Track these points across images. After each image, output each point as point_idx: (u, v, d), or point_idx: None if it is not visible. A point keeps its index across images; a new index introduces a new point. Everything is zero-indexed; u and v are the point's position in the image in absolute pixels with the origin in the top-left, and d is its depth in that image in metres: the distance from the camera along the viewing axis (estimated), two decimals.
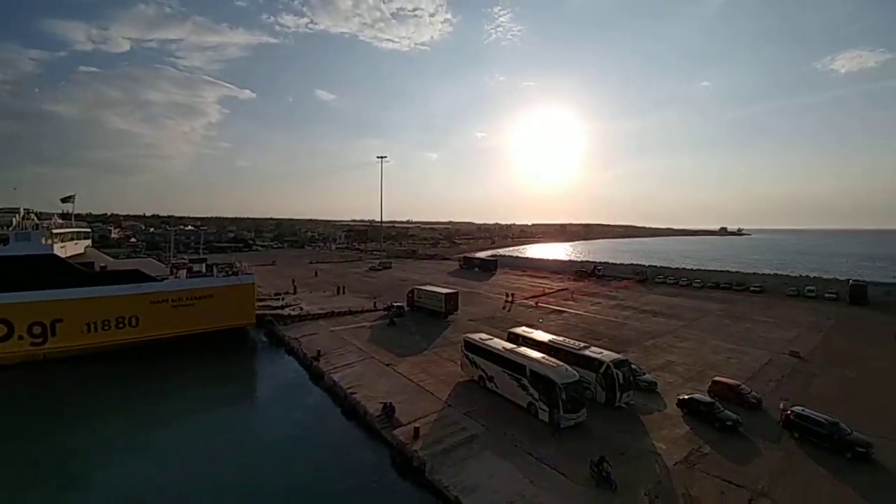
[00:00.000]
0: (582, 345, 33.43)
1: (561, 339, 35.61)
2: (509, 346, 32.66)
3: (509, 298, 69.58)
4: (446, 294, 56.41)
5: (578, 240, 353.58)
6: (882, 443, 24.07)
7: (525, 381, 28.48)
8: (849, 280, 77.71)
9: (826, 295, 72.17)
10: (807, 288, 75.79)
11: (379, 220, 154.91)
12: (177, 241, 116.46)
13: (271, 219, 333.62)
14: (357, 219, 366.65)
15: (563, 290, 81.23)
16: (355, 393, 32.15)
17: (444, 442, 25.04)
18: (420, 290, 60.63)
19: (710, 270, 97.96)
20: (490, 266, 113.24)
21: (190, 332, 46.25)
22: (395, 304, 57.69)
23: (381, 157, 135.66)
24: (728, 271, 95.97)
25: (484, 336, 35.23)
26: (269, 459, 25.43)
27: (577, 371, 28.32)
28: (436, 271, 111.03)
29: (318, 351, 41.45)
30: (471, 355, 33.94)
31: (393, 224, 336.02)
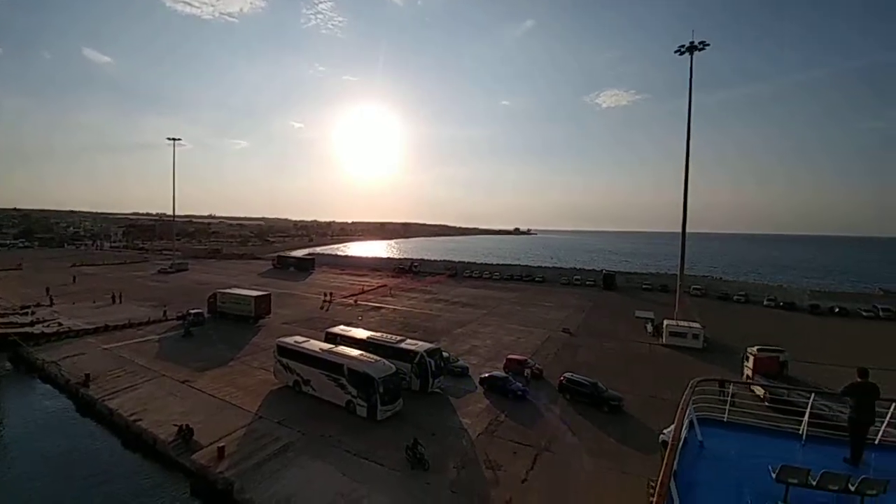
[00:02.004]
0: (399, 338, 34.69)
1: (379, 334, 36.35)
2: (326, 346, 31.84)
3: (328, 298, 67.67)
4: (256, 297, 51.41)
5: (397, 238, 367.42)
6: (629, 397, 31.10)
7: (343, 380, 28.03)
8: (602, 270, 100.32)
9: (587, 282, 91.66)
10: (574, 277, 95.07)
11: (171, 213, 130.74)
12: None
13: (16, 210, 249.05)
14: (142, 212, 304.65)
15: (382, 286, 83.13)
16: (140, 420, 27.02)
17: (254, 457, 22.85)
18: (224, 293, 53.73)
19: (506, 265, 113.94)
20: (307, 265, 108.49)
21: None
22: (191, 312, 49.59)
23: (174, 140, 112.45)
24: (520, 265, 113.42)
25: (299, 338, 33.43)
26: None
27: (395, 363, 29.26)
28: (245, 272, 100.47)
29: (87, 375, 33.34)
30: (284, 360, 31.78)
31: (190, 219, 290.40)
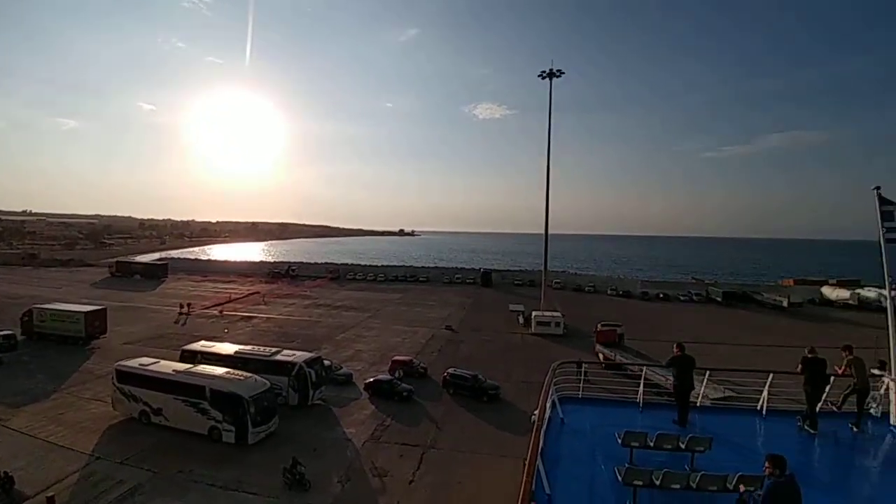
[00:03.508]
0: (273, 350, 32.07)
1: (249, 347, 33.28)
2: (182, 366, 27.82)
3: (185, 310, 59.58)
4: (87, 312, 42.80)
5: (273, 239, 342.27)
6: (506, 384, 33.27)
7: (205, 404, 24.67)
8: (481, 269, 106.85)
9: (467, 281, 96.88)
10: (455, 276, 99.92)
11: None
12: None
13: None
14: None
15: (253, 293, 76.49)
16: None
17: None
18: (44, 309, 43.71)
19: (390, 266, 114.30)
20: (158, 272, 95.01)
21: None
22: None
23: None
24: (404, 266, 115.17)
25: (146, 360, 28.70)
26: None
27: (269, 378, 26.85)
28: (72, 283, 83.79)
29: None
30: (127, 387, 26.86)
31: None
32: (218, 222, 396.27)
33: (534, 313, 53.34)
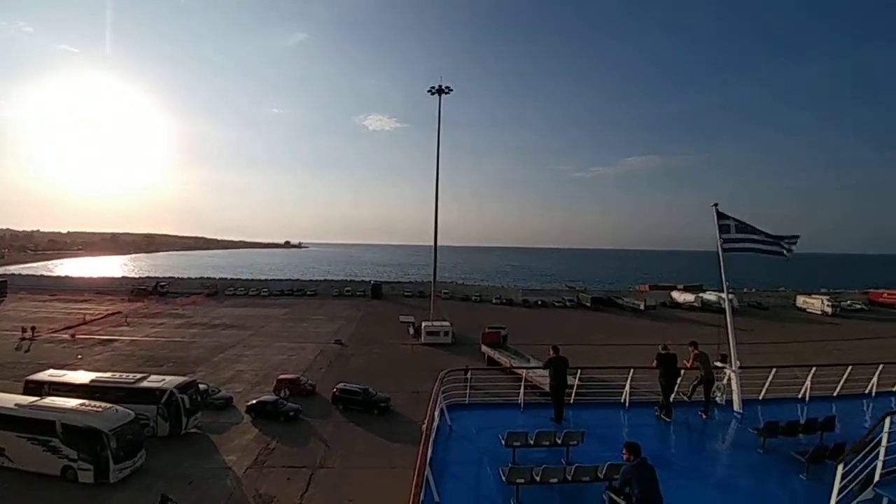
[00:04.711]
0: (138, 376, 29.39)
1: (109, 375, 30.13)
2: (27, 399, 24.49)
3: (28, 334, 50.97)
4: None
5: (137, 252, 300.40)
6: (397, 395, 33.91)
7: (56, 441, 21.92)
8: (371, 281, 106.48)
9: (357, 293, 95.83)
10: (345, 289, 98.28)
11: None
12: None
13: None
14: None
15: (113, 314, 67.69)
16: None
17: None
18: None
19: (275, 280, 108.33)
20: None
21: None
22: None
23: None
24: (290, 279, 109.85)
25: None
26: None
27: (135, 408, 24.71)
28: None
29: None
30: None
31: None
32: (69, 233, 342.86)
33: (423, 324, 55.37)
